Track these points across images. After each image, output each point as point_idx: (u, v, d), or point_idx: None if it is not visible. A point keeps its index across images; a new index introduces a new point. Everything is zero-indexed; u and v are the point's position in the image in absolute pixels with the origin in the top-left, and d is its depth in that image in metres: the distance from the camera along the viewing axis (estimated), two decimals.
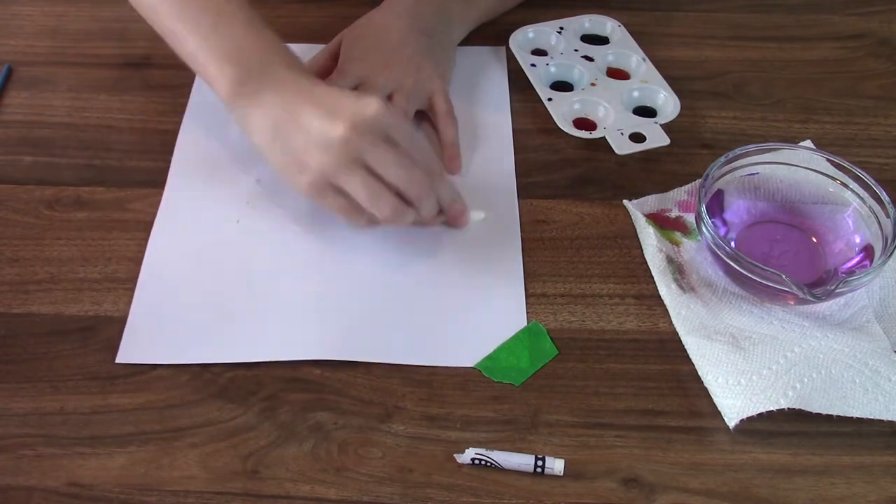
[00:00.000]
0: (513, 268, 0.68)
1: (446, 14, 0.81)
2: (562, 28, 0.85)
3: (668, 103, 0.78)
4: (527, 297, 0.66)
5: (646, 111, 0.79)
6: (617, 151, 0.74)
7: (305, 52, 0.83)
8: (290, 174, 0.65)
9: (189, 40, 0.67)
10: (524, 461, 0.57)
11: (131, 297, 0.65)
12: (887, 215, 0.65)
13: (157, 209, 0.71)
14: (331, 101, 0.63)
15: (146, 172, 0.74)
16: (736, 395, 0.59)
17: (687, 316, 0.64)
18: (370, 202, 0.63)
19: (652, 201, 0.72)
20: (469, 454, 0.57)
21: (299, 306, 0.65)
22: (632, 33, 0.84)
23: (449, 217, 0.69)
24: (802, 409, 0.58)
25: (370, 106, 0.62)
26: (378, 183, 0.63)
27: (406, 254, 0.69)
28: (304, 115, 0.63)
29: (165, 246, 0.69)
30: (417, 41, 0.78)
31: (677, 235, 0.70)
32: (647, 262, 0.68)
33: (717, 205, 0.69)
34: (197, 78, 0.82)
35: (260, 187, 0.73)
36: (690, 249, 0.69)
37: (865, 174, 0.67)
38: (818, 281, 0.65)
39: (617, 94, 0.79)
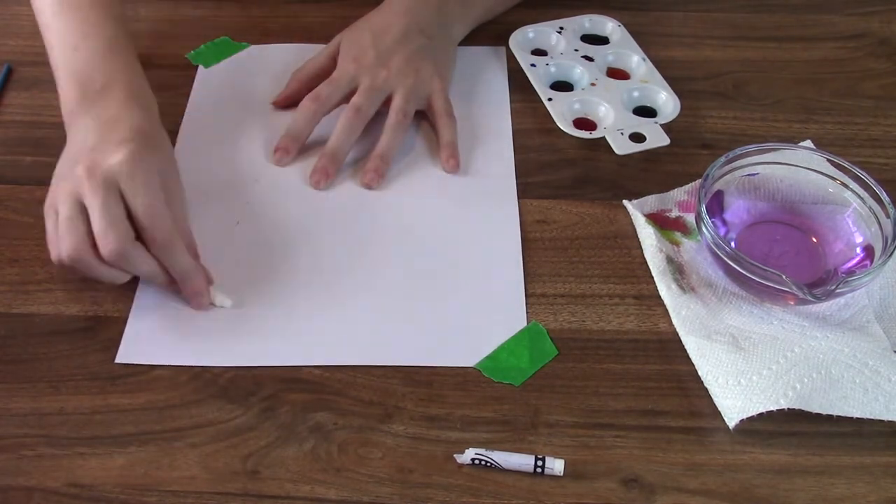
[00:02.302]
0: (513, 268, 0.68)
1: (445, 14, 0.81)
2: (562, 28, 0.85)
3: (668, 103, 0.78)
4: (527, 297, 0.66)
5: (646, 111, 0.79)
6: (617, 151, 0.74)
7: (305, 52, 0.83)
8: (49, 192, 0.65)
9: (53, 52, 0.70)
10: (524, 461, 0.57)
11: (131, 297, 0.65)
12: (887, 215, 0.65)
13: None
14: (101, 142, 0.63)
15: None
16: (736, 396, 0.59)
17: (687, 316, 0.64)
18: (60, 232, 0.62)
19: (652, 201, 0.72)
20: (469, 454, 0.57)
21: (299, 308, 0.65)
22: (632, 33, 0.84)
23: (183, 292, 0.64)
24: (802, 409, 0.58)
25: (114, 156, 0.62)
26: (78, 221, 0.61)
27: (405, 254, 0.69)
28: (79, 148, 0.64)
29: None
30: (416, 42, 0.78)
31: (677, 235, 0.70)
32: (647, 262, 0.68)
33: (717, 205, 0.69)
34: (196, 78, 0.82)
35: (260, 188, 0.73)
36: (690, 249, 0.69)
37: (865, 174, 0.67)
38: (818, 281, 0.65)
39: (617, 94, 0.79)
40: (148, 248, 0.62)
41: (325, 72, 0.79)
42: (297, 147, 0.75)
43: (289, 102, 0.79)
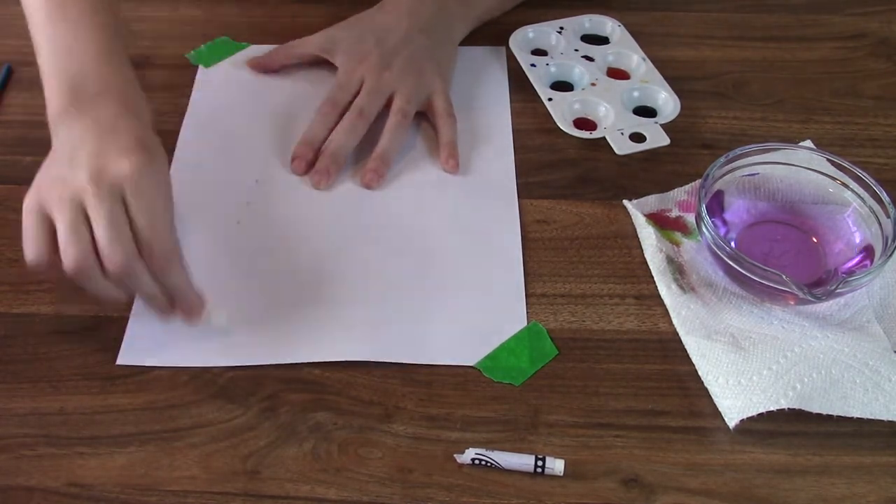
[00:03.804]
0: (513, 268, 0.68)
1: (446, 14, 0.81)
2: (562, 28, 0.85)
3: (668, 103, 0.78)
4: (527, 297, 0.66)
5: (646, 111, 0.79)
6: (617, 151, 0.74)
7: None
8: (30, 190, 0.62)
9: (43, 52, 0.67)
10: (524, 461, 0.57)
11: (132, 297, 0.65)
12: (887, 215, 0.65)
13: None
14: (103, 149, 0.60)
15: None
16: (736, 395, 0.59)
17: (687, 316, 0.64)
18: (63, 240, 0.58)
19: (652, 201, 0.72)
20: (469, 454, 0.57)
21: (299, 308, 0.65)
22: (632, 33, 0.84)
23: (179, 310, 0.62)
24: (802, 409, 0.58)
25: (120, 165, 0.59)
26: (83, 231, 0.58)
27: (405, 254, 0.69)
28: (78, 152, 0.61)
29: None
30: (418, 42, 0.78)
31: (677, 235, 0.70)
32: (647, 262, 0.68)
33: (717, 205, 0.69)
34: (196, 78, 0.82)
35: (260, 188, 0.73)
36: (690, 249, 0.69)
37: (865, 174, 0.67)
38: (818, 281, 0.65)
39: (617, 94, 0.79)
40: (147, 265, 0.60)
41: (310, 62, 0.80)
42: (313, 153, 0.74)
43: (263, 69, 0.82)
